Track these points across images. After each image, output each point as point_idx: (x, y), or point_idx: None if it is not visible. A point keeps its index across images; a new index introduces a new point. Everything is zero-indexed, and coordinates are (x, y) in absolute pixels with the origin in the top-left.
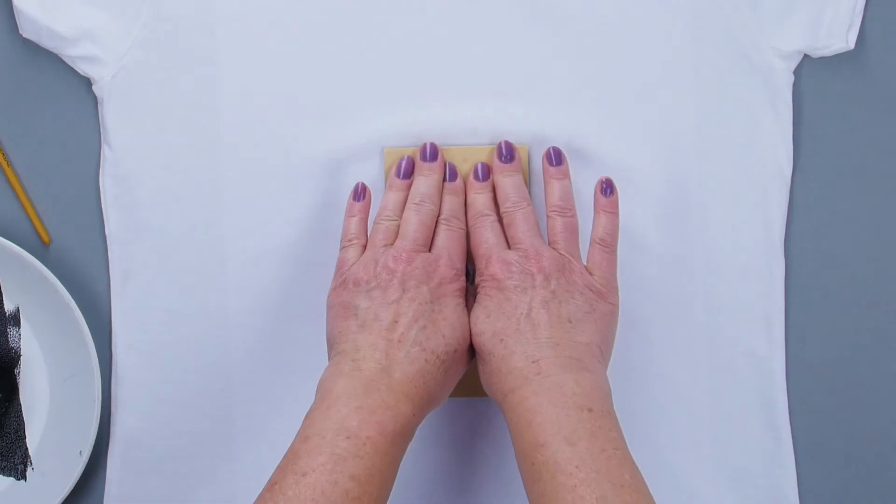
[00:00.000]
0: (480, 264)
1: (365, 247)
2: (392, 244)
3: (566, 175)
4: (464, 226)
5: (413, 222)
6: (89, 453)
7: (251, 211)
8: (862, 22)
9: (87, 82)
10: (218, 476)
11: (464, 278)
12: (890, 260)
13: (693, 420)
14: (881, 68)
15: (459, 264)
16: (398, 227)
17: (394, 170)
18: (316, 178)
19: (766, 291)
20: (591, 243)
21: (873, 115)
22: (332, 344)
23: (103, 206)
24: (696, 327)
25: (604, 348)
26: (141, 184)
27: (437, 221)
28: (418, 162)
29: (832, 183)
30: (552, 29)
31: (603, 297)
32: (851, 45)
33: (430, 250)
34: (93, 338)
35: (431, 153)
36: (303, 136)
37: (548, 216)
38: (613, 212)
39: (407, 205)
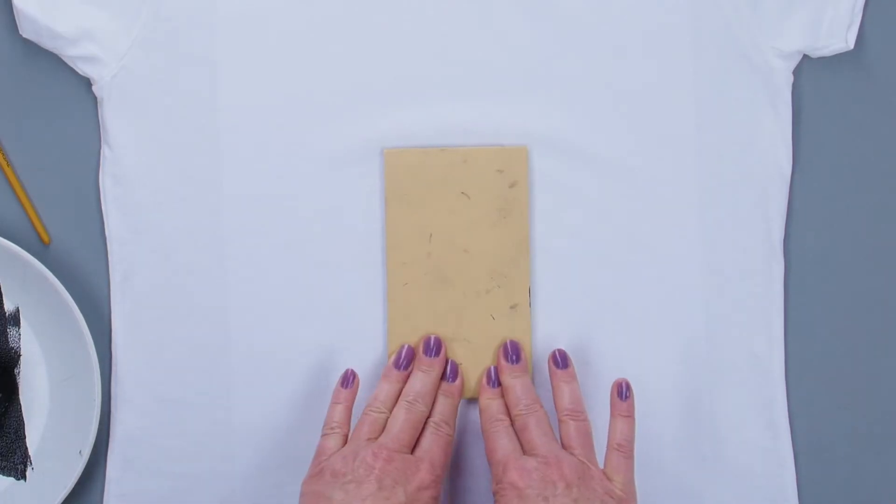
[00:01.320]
0: (497, 471)
1: (346, 437)
2: (376, 438)
3: (574, 378)
4: (452, 432)
5: (400, 420)
6: (89, 453)
7: (251, 211)
8: (862, 22)
9: (87, 82)
10: (218, 476)
11: (440, 486)
12: (890, 260)
13: (693, 420)
14: (881, 68)
15: (440, 471)
16: (386, 420)
17: (393, 358)
18: (316, 177)
19: (765, 291)
20: (608, 448)
21: (873, 115)
22: None
23: (103, 206)
24: (696, 327)
25: None
26: (141, 184)
27: (426, 423)
28: (419, 354)
29: (832, 183)
30: (552, 29)
31: (623, 503)
32: (851, 45)
33: (413, 451)
34: (93, 338)
35: (435, 347)
36: (303, 135)
37: (560, 420)
38: (631, 416)
39: (399, 400)
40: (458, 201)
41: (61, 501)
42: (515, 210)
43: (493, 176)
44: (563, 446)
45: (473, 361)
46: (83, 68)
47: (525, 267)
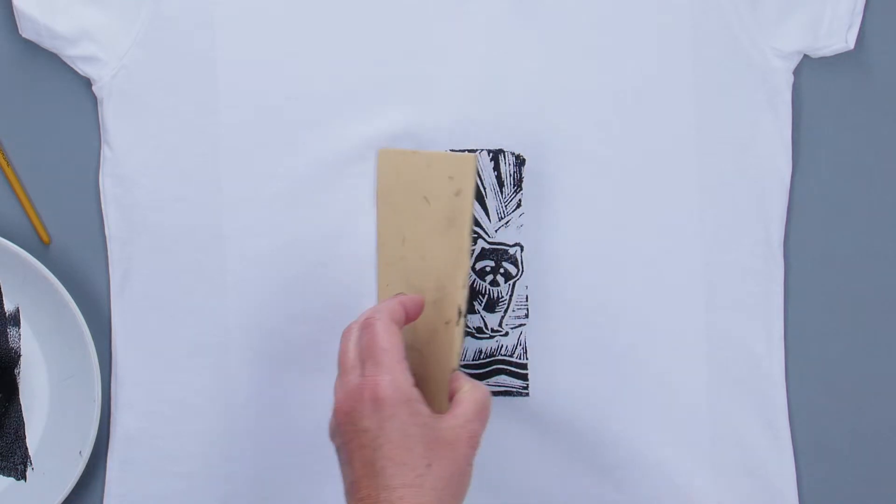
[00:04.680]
0: None
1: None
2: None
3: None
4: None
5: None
6: (89, 453)
7: (251, 210)
8: (862, 22)
9: (87, 82)
10: (218, 476)
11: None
12: (890, 260)
13: (692, 420)
14: (881, 68)
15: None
16: None
17: None
18: (316, 177)
19: (765, 291)
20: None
21: (873, 115)
22: None
23: (103, 206)
24: (696, 327)
25: None
26: (141, 184)
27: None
28: None
29: (832, 183)
30: (551, 29)
31: None
32: (851, 46)
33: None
34: (93, 338)
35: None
36: (303, 136)
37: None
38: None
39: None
40: (421, 206)
41: (61, 501)
42: (458, 220)
43: (445, 182)
44: None
45: (421, 373)
46: (83, 68)
47: (458, 282)
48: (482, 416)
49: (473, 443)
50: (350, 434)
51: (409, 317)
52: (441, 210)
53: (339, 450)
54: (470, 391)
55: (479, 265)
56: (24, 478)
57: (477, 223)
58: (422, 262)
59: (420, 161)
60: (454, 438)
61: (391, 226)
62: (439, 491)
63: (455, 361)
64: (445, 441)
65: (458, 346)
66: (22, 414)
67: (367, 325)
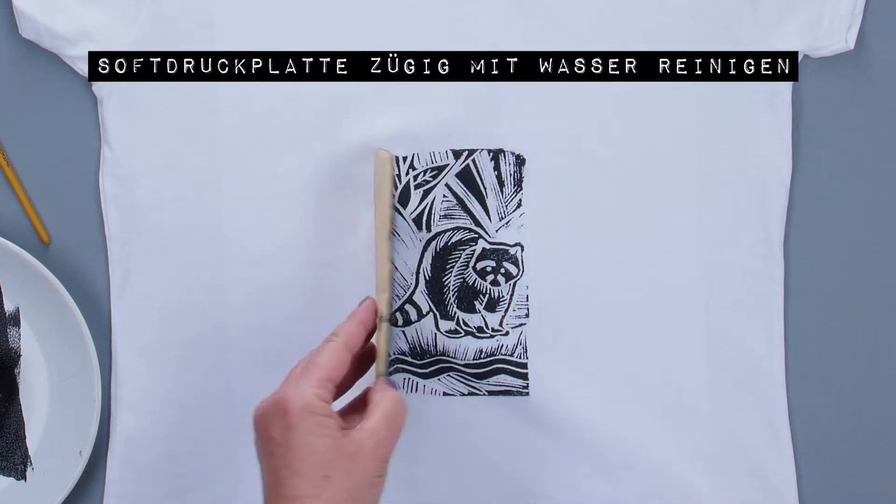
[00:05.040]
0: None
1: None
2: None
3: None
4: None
5: None
6: (89, 453)
7: (251, 211)
8: (862, 22)
9: (87, 82)
10: (218, 476)
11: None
12: (890, 260)
13: (692, 420)
14: (881, 68)
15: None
16: None
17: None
18: (316, 178)
19: (765, 291)
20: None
21: (873, 115)
22: None
23: (103, 206)
24: (696, 327)
25: None
26: (141, 184)
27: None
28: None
29: (832, 183)
30: (551, 30)
31: None
32: (851, 46)
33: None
34: (93, 338)
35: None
36: (302, 136)
37: None
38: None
39: None
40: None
41: (61, 501)
42: (376, 221)
43: (376, 184)
44: None
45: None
46: (83, 68)
47: (378, 287)
48: (392, 425)
49: (380, 454)
50: (263, 441)
51: (368, 329)
52: (375, 211)
53: (257, 456)
54: (379, 401)
55: (479, 265)
56: (24, 478)
57: (478, 223)
58: (373, 261)
59: (377, 160)
60: (357, 450)
61: (378, 224)
62: (338, 503)
63: (381, 367)
64: (347, 452)
65: (383, 351)
66: (22, 414)
67: (322, 343)
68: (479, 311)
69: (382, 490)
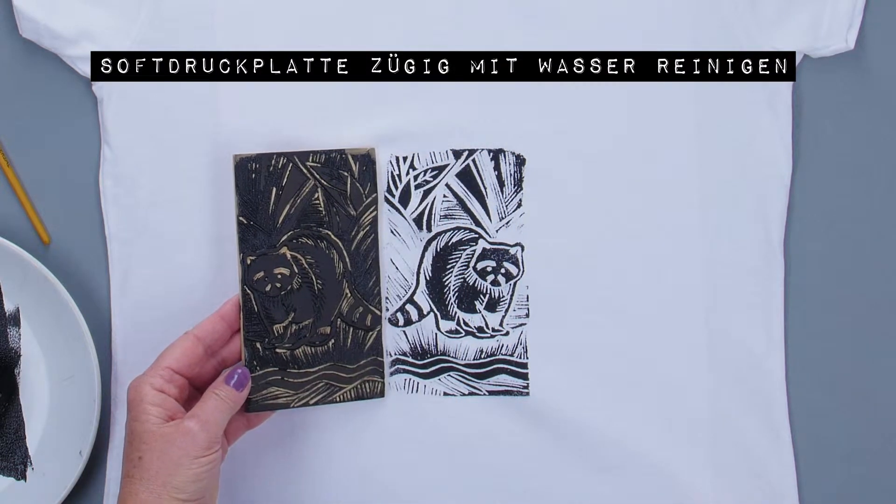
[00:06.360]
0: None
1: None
2: None
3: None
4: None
5: None
6: (89, 453)
7: None
8: (862, 22)
9: (87, 82)
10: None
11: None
12: (890, 260)
13: (693, 420)
14: (881, 68)
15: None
16: None
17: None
18: None
19: (765, 291)
20: None
21: (873, 115)
22: None
23: (103, 206)
24: (696, 327)
25: None
26: (141, 184)
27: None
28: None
29: (832, 183)
30: (550, 30)
31: None
32: (851, 45)
33: None
34: (93, 338)
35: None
36: (302, 136)
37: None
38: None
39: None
40: None
41: (61, 501)
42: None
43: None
44: None
45: None
46: (83, 68)
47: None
48: (207, 417)
49: (196, 440)
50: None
51: (229, 322)
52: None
53: None
54: (206, 397)
55: (480, 265)
56: (24, 478)
57: (478, 223)
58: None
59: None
60: (170, 434)
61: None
62: (147, 481)
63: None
64: (159, 435)
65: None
66: (22, 414)
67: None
68: (480, 311)
69: (214, 466)
